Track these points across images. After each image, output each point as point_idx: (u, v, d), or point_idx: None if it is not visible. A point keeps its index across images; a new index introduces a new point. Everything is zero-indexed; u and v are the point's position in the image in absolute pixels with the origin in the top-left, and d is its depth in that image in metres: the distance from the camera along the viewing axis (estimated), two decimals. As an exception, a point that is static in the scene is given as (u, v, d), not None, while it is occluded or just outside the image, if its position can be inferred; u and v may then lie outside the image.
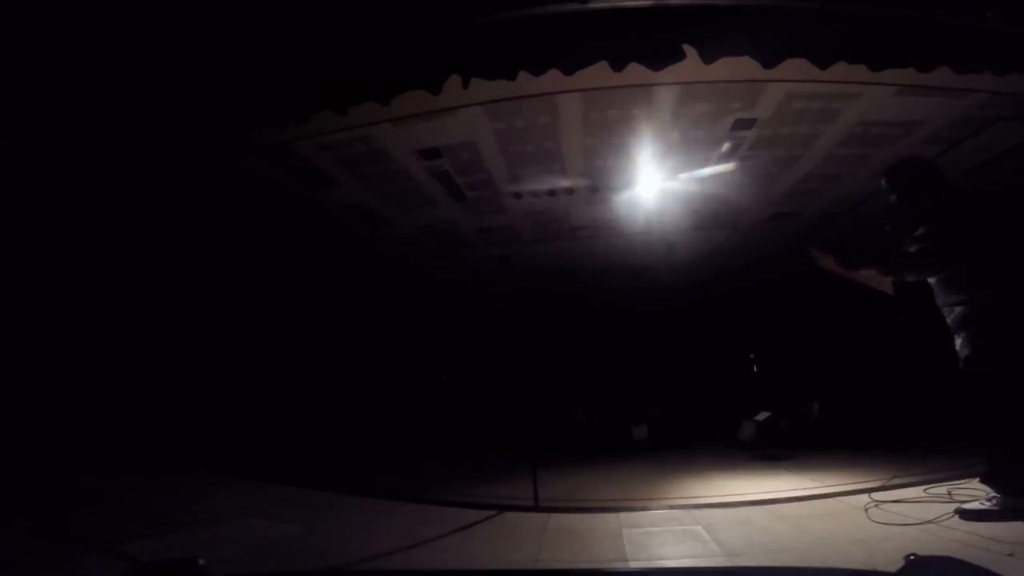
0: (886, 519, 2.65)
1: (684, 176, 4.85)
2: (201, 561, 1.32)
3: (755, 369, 7.76)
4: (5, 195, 3.81)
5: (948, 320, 2.70)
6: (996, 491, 2.51)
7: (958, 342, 2.66)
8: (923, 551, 1.29)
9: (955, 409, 2.89)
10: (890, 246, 2.83)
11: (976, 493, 2.75)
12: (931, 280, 2.73)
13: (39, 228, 4.29)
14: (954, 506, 2.65)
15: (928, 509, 2.72)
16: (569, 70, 2.60)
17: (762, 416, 6.21)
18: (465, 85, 2.68)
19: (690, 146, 4.40)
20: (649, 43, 2.48)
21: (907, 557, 1.23)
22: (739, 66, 2.62)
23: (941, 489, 3.01)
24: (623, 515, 3.21)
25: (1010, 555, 2.02)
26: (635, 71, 2.58)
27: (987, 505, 2.51)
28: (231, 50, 2.65)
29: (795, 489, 3.56)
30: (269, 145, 4.11)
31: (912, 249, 2.69)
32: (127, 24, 2.53)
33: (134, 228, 4.98)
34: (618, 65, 2.56)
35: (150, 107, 3.06)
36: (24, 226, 4.18)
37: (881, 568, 1.67)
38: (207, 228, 5.45)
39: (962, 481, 3.03)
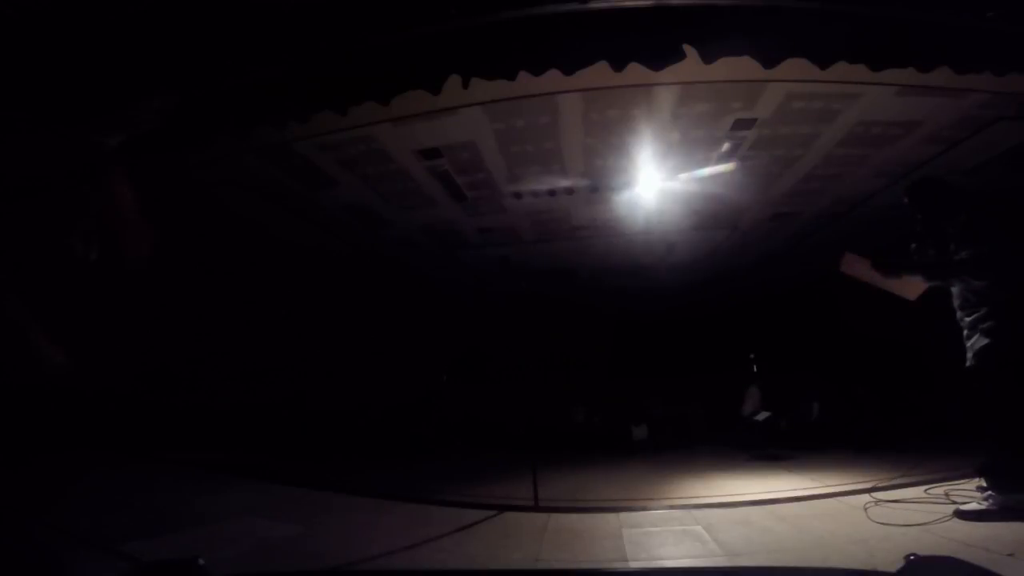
0: (886, 519, 2.65)
1: (684, 176, 4.84)
2: (201, 561, 1.32)
3: (755, 369, 7.77)
4: (3, 195, 3.81)
5: (968, 320, 2.71)
6: (994, 490, 2.52)
7: (970, 343, 2.67)
8: (923, 551, 1.29)
9: (955, 409, 2.91)
10: (926, 258, 2.91)
11: (974, 493, 2.75)
12: (955, 286, 2.76)
13: (38, 227, 4.29)
14: (954, 507, 2.66)
15: (928, 509, 2.73)
16: (569, 70, 2.59)
17: (762, 416, 6.22)
18: (465, 85, 2.67)
19: (690, 146, 4.40)
20: (649, 43, 2.48)
21: (907, 557, 1.23)
22: (739, 66, 2.61)
23: (941, 489, 3.01)
24: (623, 515, 3.21)
25: (1010, 555, 2.03)
26: (635, 71, 2.57)
27: (985, 505, 2.52)
28: (231, 50, 2.65)
29: (795, 489, 3.57)
30: (269, 145, 4.11)
31: (961, 255, 2.73)
32: (127, 24, 2.53)
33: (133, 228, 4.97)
34: (618, 65, 2.55)
35: (150, 107, 3.06)
36: (23, 225, 4.18)
37: (881, 568, 1.67)
38: (207, 228, 5.44)
39: (962, 481, 3.03)
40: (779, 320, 8.07)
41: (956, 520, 2.53)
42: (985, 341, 2.59)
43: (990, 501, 2.51)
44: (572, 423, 7.60)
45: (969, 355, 2.67)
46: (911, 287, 2.98)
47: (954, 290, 2.78)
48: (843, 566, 2.10)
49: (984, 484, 2.60)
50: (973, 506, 2.56)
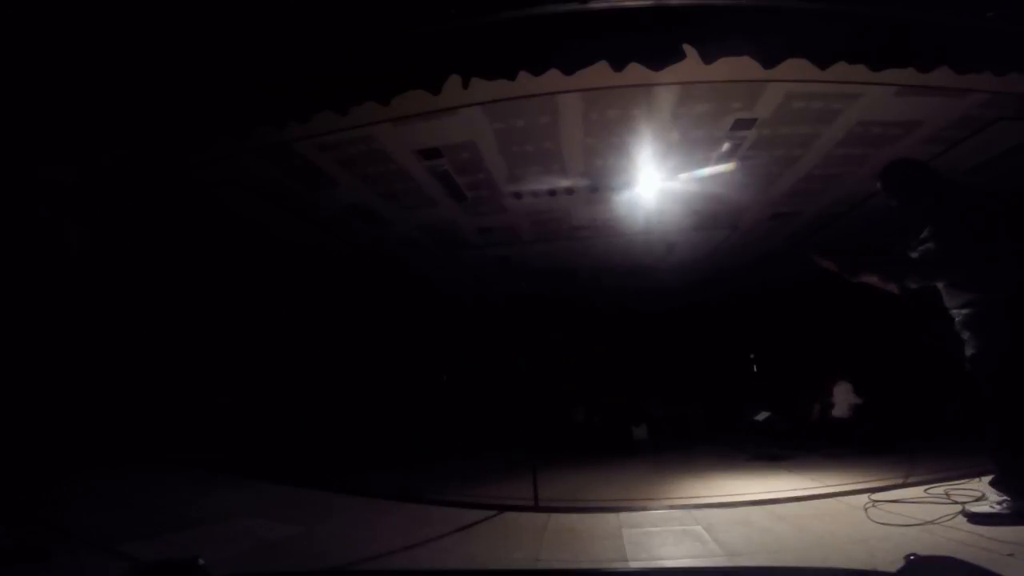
0: (886, 519, 2.65)
1: (684, 176, 4.85)
2: (201, 561, 1.33)
3: (755, 369, 7.77)
4: (4, 195, 3.81)
5: (956, 322, 2.68)
6: (1007, 494, 2.47)
7: (966, 344, 2.65)
8: (923, 551, 1.29)
9: (955, 409, 2.89)
10: (895, 254, 2.83)
11: (976, 493, 2.74)
12: (939, 284, 2.73)
13: (38, 228, 4.29)
14: (954, 506, 2.65)
15: (928, 509, 2.72)
16: (569, 70, 2.60)
17: (762, 416, 6.22)
18: (465, 85, 2.68)
19: (690, 146, 4.40)
20: (649, 43, 2.48)
21: (907, 557, 1.23)
22: (739, 66, 2.62)
23: (941, 489, 3.00)
24: (623, 515, 3.21)
25: (1010, 555, 2.02)
26: (635, 71, 2.58)
27: (997, 508, 2.47)
28: (231, 50, 2.65)
29: (795, 489, 3.56)
30: (269, 145, 4.11)
31: (913, 254, 2.68)
32: (127, 24, 2.53)
33: (134, 228, 4.98)
34: (618, 65, 2.55)
35: (150, 108, 3.06)
36: (24, 226, 4.19)
37: (881, 568, 1.67)
38: (207, 228, 5.45)
39: (962, 481, 3.03)
40: (779, 320, 8.07)
41: (957, 520, 2.51)
42: (979, 342, 2.56)
43: (1004, 505, 2.46)
44: (572, 423, 7.59)
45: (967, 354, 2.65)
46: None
47: (940, 287, 2.74)
48: (843, 566, 2.10)
49: (996, 488, 2.55)
50: (984, 508, 2.51)
